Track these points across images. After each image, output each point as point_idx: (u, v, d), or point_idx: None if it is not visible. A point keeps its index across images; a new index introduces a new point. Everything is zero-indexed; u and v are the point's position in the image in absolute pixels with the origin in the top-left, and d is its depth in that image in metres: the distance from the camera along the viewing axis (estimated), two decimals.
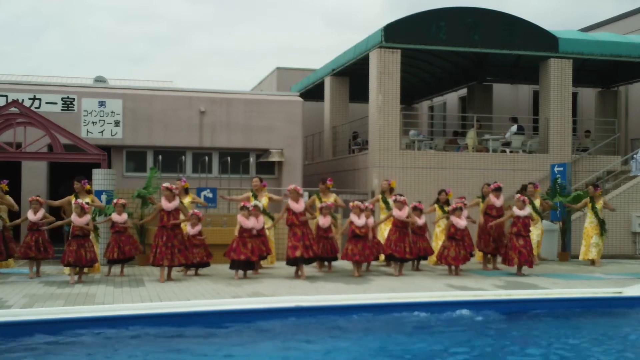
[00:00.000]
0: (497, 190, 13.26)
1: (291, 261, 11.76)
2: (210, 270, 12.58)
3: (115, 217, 12.23)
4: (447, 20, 17.65)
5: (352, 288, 10.49)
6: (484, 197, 13.90)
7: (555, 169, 16.39)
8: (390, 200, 13.36)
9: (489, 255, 13.54)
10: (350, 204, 12.11)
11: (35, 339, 7.47)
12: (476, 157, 18.15)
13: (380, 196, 13.67)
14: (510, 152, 18.70)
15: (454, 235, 12.29)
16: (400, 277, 12.02)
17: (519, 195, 12.72)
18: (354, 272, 12.02)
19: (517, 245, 12.28)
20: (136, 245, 12.50)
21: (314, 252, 11.73)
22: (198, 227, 12.02)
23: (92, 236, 11.93)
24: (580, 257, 14.54)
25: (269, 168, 18.67)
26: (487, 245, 13.34)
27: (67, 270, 11.53)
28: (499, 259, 13.39)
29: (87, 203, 11.60)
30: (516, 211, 12.35)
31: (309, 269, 12.56)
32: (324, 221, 12.22)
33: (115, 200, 12.46)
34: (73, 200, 11.90)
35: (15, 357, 6.89)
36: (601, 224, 14.35)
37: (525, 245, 12.28)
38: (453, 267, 12.38)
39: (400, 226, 12.28)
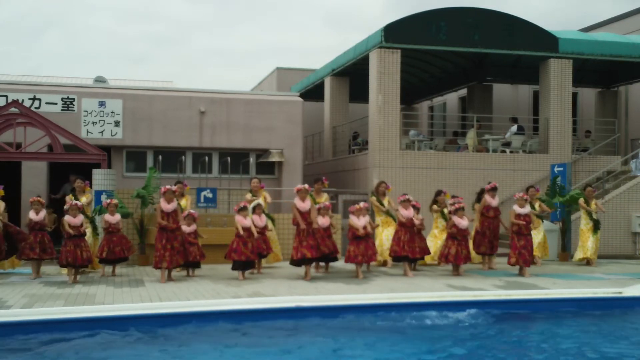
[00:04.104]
0: (493, 190, 13.24)
1: (296, 262, 11.70)
2: (210, 271, 12.58)
3: (107, 217, 12.22)
4: (447, 20, 17.65)
5: (352, 288, 10.48)
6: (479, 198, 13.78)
7: (555, 169, 16.38)
8: (385, 202, 13.35)
9: (487, 257, 13.52)
10: (356, 205, 12.02)
11: (35, 339, 7.47)
12: (476, 157, 18.15)
13: (374, 197, 13.59)
14: (510, 152, 18.70)
15: (456, 235, 12.30)
16: (401, 277, 12.01)
17: (521, 193, 12.71)
18: (357, 274, 11.84)
19: (517, 245, 12.28)
20: (128, 247, 12.37)
21: (320, 251, 11.70)
22: (193, 227, 12.03)
23: (89, 235, 12.02)
24: (575, 258, 14.54)
25: (269, 168, 18.66)
26: (481, 246, 13.31)
27: (64, 270, 11.59)
28: (495, 259, 13.44)
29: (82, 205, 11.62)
30: (517, 209, 12.35)
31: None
32: (323, 221, 12.20)
33: (107, 201, 12.45)
34: (69, 202, 11.88)
35: (16, 357, 6.89)
36: (595, 224, 14.36)
37: (526, 245, 12.27)
38: (454, 266, 12.38)
39: (408, 226, 12.28)
